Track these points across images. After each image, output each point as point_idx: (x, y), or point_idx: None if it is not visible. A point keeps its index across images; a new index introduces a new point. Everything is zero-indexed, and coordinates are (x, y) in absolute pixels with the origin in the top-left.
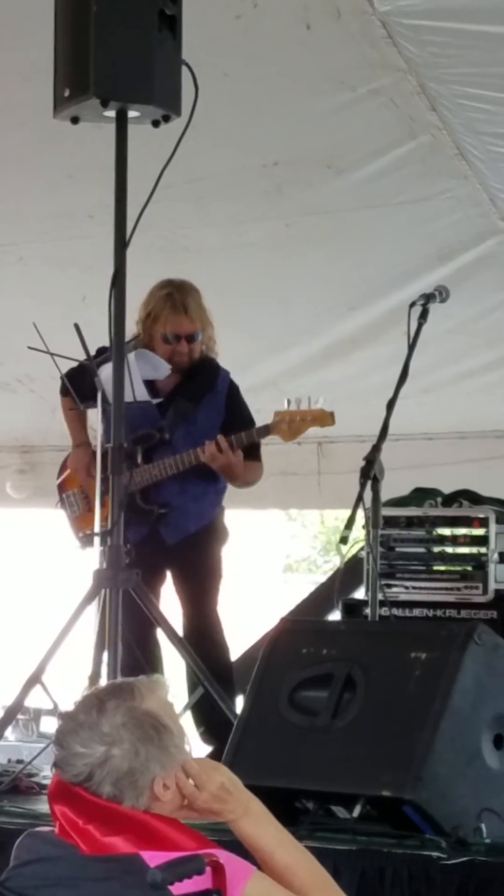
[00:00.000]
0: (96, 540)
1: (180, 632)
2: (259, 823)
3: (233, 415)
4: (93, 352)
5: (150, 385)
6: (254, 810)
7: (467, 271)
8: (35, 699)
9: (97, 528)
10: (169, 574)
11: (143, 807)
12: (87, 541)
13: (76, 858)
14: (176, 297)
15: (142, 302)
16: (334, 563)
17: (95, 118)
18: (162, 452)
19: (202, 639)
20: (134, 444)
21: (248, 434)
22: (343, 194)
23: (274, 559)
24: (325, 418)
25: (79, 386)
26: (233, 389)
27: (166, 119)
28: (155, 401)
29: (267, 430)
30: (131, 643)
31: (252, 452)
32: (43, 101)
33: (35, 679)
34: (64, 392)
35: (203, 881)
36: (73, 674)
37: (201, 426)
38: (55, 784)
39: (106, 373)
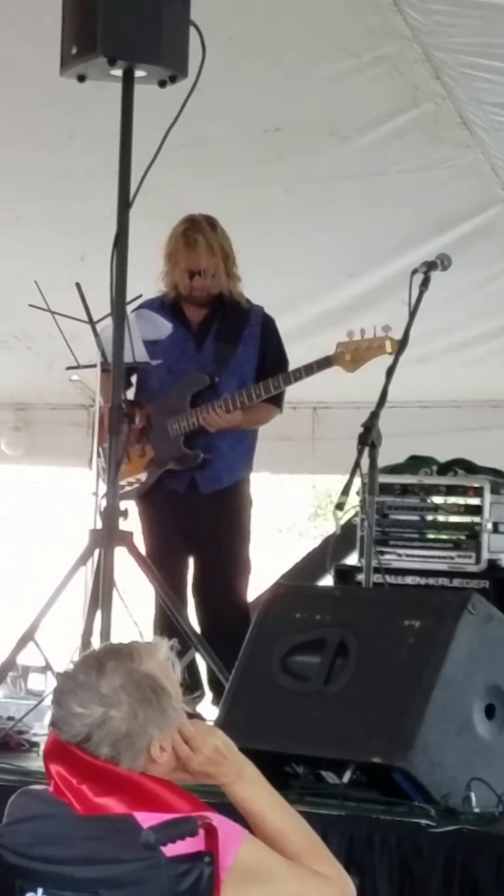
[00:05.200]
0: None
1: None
2: (252, 787)
3: (269, 347)
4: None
5: (182, 318)
6: (247, 774)
7: (466, 241)
8: (23, 656)
9: (136, 480)
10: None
11: (139, 768)
12: (125, 495)
13: (69, 817)
14: (189, 233)
15: (165, 239)
16: (325, 528)
17: (102, 77)
18: (208, 396)
19: (218, 600)
20: (185, 387)
21: (307, 368)
22: (344, 161)
23: (265, 523)
24: (387, 344)
25: None
26: (268, 324)
27: (173, 80)
28: (154, 362)
29: (328, 361)
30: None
31: (274, 397)
32: (47, 59)
33: (28, 637)
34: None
35: (196, 843)
36: (65, 633)
37: (242, 364)
38: (51, 743)
39: (107, 333)
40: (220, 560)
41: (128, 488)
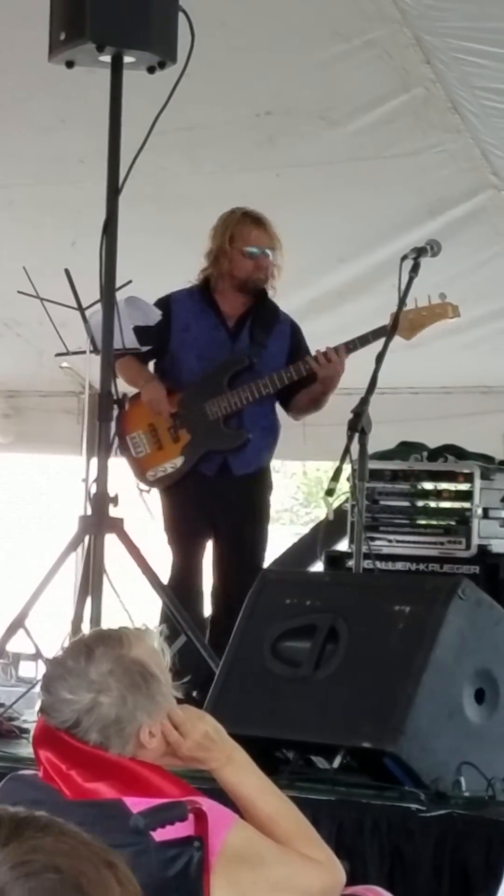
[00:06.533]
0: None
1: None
2: (242, 772)
3: (299, 350)
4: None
5: (218, 312)
6: (237, 759)
7: (457, 226)
8: (14, 644)
9: (171, 466)
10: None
11: (128, 754)
12: (158, 482)
13: (59, 803)
14: (253, 214)
15: (212, 232)
16: (316, 514)
17: (91, 63)
18: (245, 378)
19: (235, 576)
20: (223, 369)
21: (361, 339)
22: (335, 146)
23: None
24: (450, 310)
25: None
26: (296, 327)
27: (162, 66)
28: (144, 348)
29: (385, 330)
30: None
31: None
32: (37, 44)
33: (18, 624)
34: None
35: (185, 828)
36: (56, 620)
37: (273, 353)
38: (40, 729)
39: (96, 319)
40: (240, 539)
41: (161, 475)
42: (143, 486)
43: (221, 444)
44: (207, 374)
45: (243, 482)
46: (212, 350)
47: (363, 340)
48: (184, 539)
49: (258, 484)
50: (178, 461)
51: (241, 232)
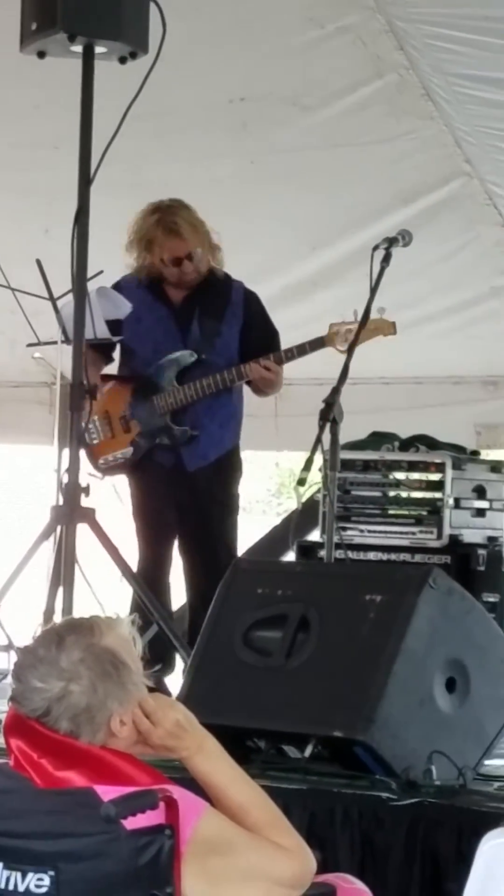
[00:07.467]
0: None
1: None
2: (213, 761)
3: (253, 323)
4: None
5: (165, 298)
6: (208, 748)
7: (430, 213)
8: None
9: (122, 455)
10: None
11: (99, 742)
12: (110, 469)
13: (30, 791)
14: (166, 220)
15: (130, 227)
16: (287, 505)
17: (62, 53)
18: (195, 373)
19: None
20: (172, 363)
21: (299, 348)
22: (309, 132)
23: None
24: (386, 327)
25: None
26: (249, 297)
27: (133, 56)
28: (115, 339)
29: (321, 342)
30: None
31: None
32: (10, 30)
33: None
34: None
35: (156, 816)
36: (28, 610)
37: (227, 340)
38: (11, 718)
39: (68, 310)
40: (205, 531)
41: (112, 463)
42: (96, 473)
43: (168, 439)
44: (158, 367)
45: (202, 474)
46: (167, 343)
47: (301, 350)
48: (151, 530)
49: (220, 472)
50: (128, 451)
51: (155, 241)
